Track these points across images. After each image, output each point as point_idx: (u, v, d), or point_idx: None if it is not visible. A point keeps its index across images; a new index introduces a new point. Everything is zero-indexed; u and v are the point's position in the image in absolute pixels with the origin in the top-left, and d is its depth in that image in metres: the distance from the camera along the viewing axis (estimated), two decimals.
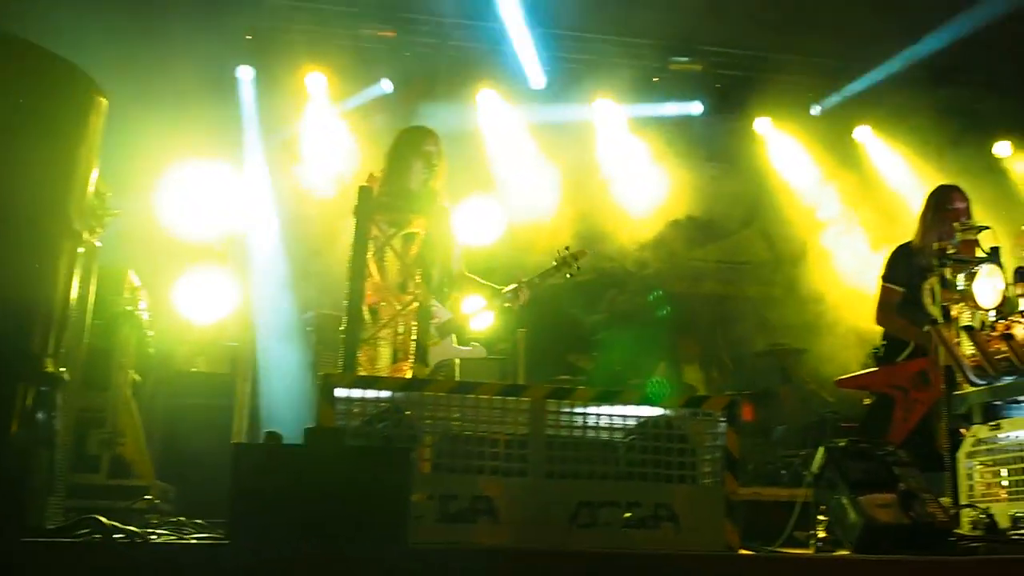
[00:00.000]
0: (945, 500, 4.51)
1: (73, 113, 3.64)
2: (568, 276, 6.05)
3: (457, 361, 5.69)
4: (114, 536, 2.89)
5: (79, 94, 3.69)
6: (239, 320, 7.84)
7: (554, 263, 5.98)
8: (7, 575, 2.61)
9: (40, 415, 3.27)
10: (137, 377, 6.33)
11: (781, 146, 11.16)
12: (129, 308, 5.97)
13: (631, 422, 3.95)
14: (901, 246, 6.33)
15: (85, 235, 3.85)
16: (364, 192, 4.93)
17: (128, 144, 6.06)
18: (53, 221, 3.52)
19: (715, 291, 11.41)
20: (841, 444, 4.32)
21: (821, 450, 4.31)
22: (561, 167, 10.44)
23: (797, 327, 10.11)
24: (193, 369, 7.70)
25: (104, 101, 3.76)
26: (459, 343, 5.60)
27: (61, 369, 3.51)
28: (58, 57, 3.57)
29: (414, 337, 4.93)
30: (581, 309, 10.72)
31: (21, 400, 3.23)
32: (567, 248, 6.01)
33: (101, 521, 2.93)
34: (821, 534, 4.23)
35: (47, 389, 3.37)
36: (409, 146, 5.66)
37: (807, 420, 9.38)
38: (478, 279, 5.88)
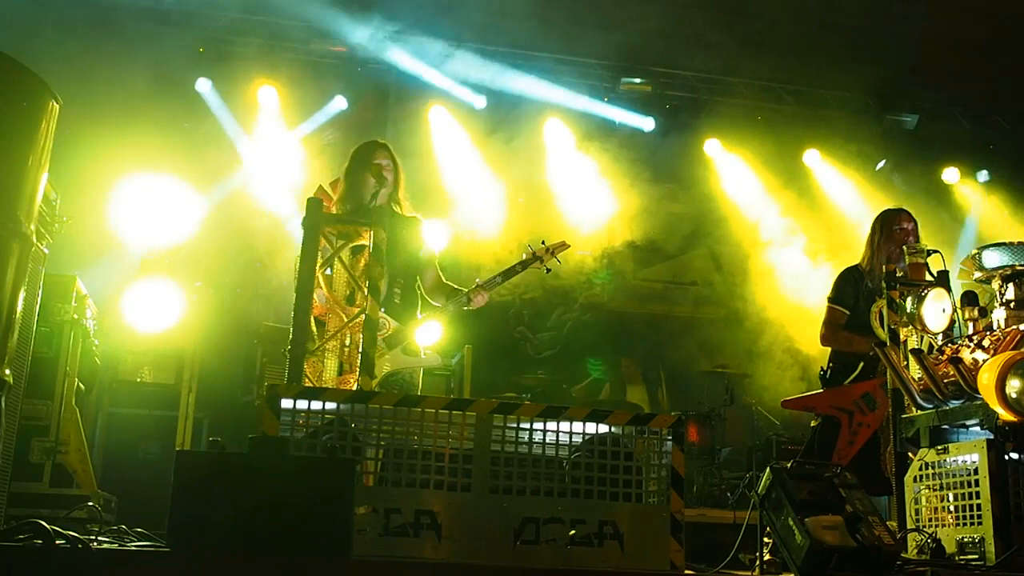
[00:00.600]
0: (891, 524, 4.48)
1: (24, 115, 3.61)
2: (547, 271, 5.92)
3: (421, 372, 5.65)
4: (55, 542, 2.87)
5: (30, 96, 3.66)
6: (185, 331, 7.77)
7: (524, 257, 5.84)
8: None
9: None
10: (82, 386, 6.26)
11: (730, 167, 11.28)
12: (75, 316, 5.90)
13: (577, 439, 3.94)
14: (849, 268, 6.29)
15: (34, 240, 3.82)
16: (313, 204, 4.92)
17: (80, 153, 6.03)
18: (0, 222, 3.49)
19: (661, 311, 11.48)
20: (787, 465, 4.31)
21: (767, 471, 4.29)
22: (510, 184, 10.50)
23: (743, 348, 10.23)
24: (138, 379, 7.62)
25: (56, 105, 3.74)
26: (410, 353, 5.51)
27: (6, 372, 3.47)
28: (9, 58, 3.55)
29: (361, 349, 4.92)
30: (528, 327, 10.77)
31: None
32: (543, 242, 5.87)
33: (42, 526, 2.91)
34: (767, 556, 4.22)
35: None
36: (360, 161, 5.66)
37: (753, 442, 9.44)
38: (452, 284, 5.81)
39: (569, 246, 5.99)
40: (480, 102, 10.61)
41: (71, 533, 2.90)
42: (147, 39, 8.58)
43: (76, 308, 5.94)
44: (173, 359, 7.68)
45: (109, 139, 7.89)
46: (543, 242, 5.88)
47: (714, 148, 11.22)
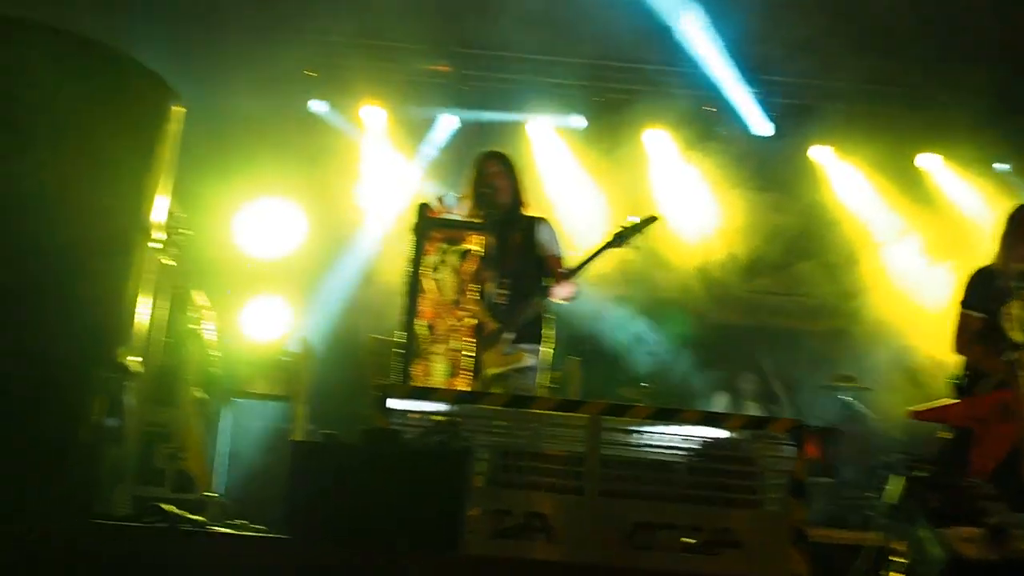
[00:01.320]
0: None
1: (153, 117, 3.78)
2: (636, 248, 5.54)
3: (534, 377, 5.52)
4: (179, 525, 2.95)
5: (158, 100, 3.83)
6: (298, 344, 7.95)
7: (613, 235, 5.50)
8: (77, 555, 2.68)
9: (110, 405, 3.35)
10: (202, 396, 6.45)
11: (839, 174, 10.96)
12: (195, 327, 6.10)
13: (692, 443, 3.87)
14: (980, 269, 5.91)
15: (157, 240, 3.97)
16: (422, 209, 4.99)
17: (199, 169, 6.23)
18: (129, 217, 3.64)
19: (772, 324, 11.25)
20: (922, 475, 4.16)
21: (899, 480, 4.14)
22: (613, 196, 10.49)
23: (861, 360, 9.98)
24: (253, 390, 7.80)
25: (182, 110, 3.90)
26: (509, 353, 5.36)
27: (130, 359, 3.59)
28: (135, 62, 3.71)
29: (468, 353, 4.96)
30: (634, 339, 10.69)
31: (93, 388, 3.31)
32: (629, 218, 5.55)
33: (167, 510, 3.00)
34: None
35: (118, 377, 3.44)
36: (472, 172, 5.75)
37: (876, 460, 9.18)
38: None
39: (657, 219, 5.62)
40: (580, 121, 10.64)
41: (195, 517, 2.98)
42: (260, 59, 8.82)
43: (196, 319, 6.14)
44: (286, 371, 7.84)
45: (227, 156, 8.14)
46: (629, 217, 5.59)
47: (822, 154, 10.99)
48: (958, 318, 5.86)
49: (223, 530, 3.38)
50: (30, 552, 2.71)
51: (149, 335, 4.13)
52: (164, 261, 4.53)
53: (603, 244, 5.54)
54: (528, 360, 5.41)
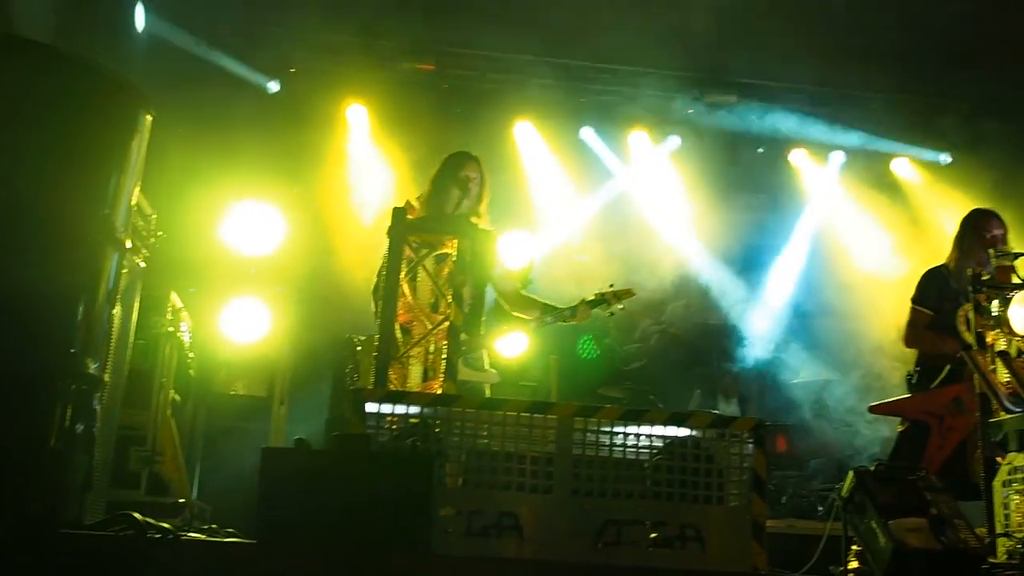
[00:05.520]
0: (980, 530, 4.34)
1: (115, 126, 3.76)
2: (610, 315, 5.79)
3: (488, 387, 5.61)
4: (147, 533, 2.98)
5: (129, 107, 3.81)
6: (276, 345, 7.93)
7: (593, 297, 5.68)
8: (44, 565, 2.70)
9: (78, 414, 3.36)
10: (177, 398, 6.42)
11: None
12: (170, 329, 6.07)
13: (658, 442, 3.97)
14: (933, 269, 6.23)
15: (127, 247, 3.97)
16: (398, 213, 5.03)
17: (175, 172, 6.24)
18: (96, 224, 3.63)
19: None
20: (871, 468, 4.29)
21: (850, 474, 4.27)
22: (599, 199, 10.56)
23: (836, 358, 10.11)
24: (232, 392, 7.78)
25: (149, 117, 3.89)
26: (472, 366, 5.49)
27: (100, 369, 3.58)
28: (103, 69, 3.70)
29: (444, 356, 4.99)
30: (615, 339, 10.74)
31: (61, 398, 3.31)
32: (611, 285, 5.74)
33: (135, 518, 3.02)
34: (855, 565, 4.18)
35: (86, 388, 3.45)
36: (447, 171, 5.69)
37: (843, 453, 9.31)
38: (535, 297, 5.79)
39: (635, 294, 5.88)
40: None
41: (163, 524, 3.01)
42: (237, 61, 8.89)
43: (171, 321, 6.11)
44: (265, 372, 7.84)
45: (205, 158, 8.15)
46: (611, 285, 5.77)
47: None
48: (910, 314, 6.21)
49: (192, 535, 3.41)
50: None
51: (121, 339, 4.13)
52: (137, 263, 4.53)
53: (588, 301, 5.68)
54: (492, 377, 5.58)
